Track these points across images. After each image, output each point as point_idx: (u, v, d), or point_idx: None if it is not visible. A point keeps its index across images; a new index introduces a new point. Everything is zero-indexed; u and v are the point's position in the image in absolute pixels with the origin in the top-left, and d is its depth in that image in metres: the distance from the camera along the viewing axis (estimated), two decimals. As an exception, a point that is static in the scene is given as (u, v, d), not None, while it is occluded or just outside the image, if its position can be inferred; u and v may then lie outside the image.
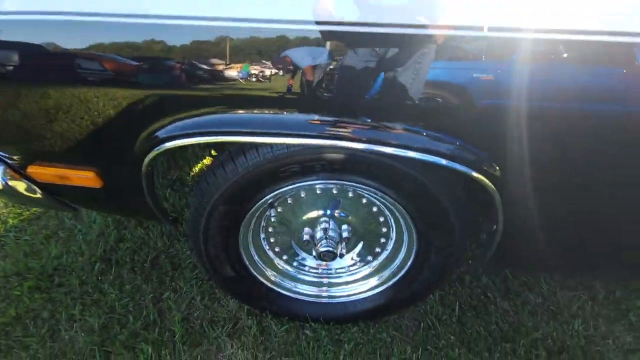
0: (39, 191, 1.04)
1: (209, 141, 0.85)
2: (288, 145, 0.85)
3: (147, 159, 0.90)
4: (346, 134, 0.82)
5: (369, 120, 0.82)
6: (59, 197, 1.08)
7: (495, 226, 0.92)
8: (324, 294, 1.23)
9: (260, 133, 0.83)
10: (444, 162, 0.79)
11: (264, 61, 0.78)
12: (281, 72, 0.78)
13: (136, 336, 1.23)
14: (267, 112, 0.85)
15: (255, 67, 0.78)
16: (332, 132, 0.82)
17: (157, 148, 0.88)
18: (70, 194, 1.06)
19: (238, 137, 0.84)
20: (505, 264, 1.23)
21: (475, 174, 0.79)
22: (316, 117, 0.82)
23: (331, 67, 0.78)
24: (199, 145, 2.08)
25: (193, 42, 0.76)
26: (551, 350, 1.23)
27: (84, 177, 0.96)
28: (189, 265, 1.47)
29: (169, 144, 0.86)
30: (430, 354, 1.21)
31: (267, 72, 0.78)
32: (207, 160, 2.05)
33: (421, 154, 0.80)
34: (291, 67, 0.78)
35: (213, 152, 1.61)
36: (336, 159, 0.86)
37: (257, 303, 1.26)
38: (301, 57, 0.77)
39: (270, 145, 0.87)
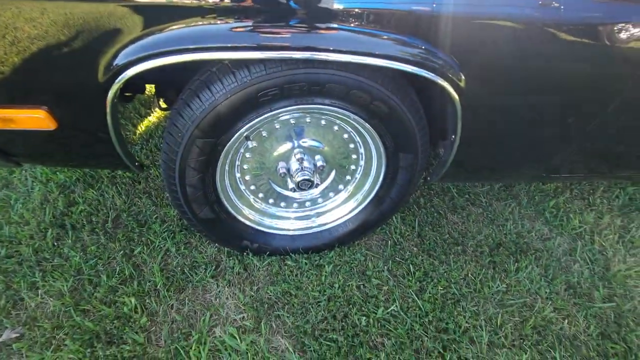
0: (-27, 143, 0.90)
1: (156, 65, 0.78)
2: (266, 67, 0.86)
3: (110, 93, 0.83)
4: (287, 43, 0.79)
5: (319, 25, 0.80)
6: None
7: (453, 136, 1.05)
8: (314, 225, 1.30)
9: (214, 48, 0.78)
10: (409, 68, 0.86)
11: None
12: None
13: (115, 291, 1.19)
14: (209, 23, 0.77)
15: None
16: (282, 43, 0.79)
17: (118, 79, 0.81)
18: (17, 141, 0.93)
19: (190, 54, 0.76)
20: (454, 179, 1.41)
21: (441, 82, 0.89)
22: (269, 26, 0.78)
23: None
24: (143, 97, 1.93)
25: None
26: (491, 247, 1.49)
27: (34, 118, 0.85)
28: (157, 220, 1.42)
29: (130, 72, 0.80)
30: (399, 264, 1.38)
31: None
32: (155, 117, 1.92)
33: (386, 61, 0.84)
34: None
35: (162, 104, 1.51)
36: (315, 79, 0.89)
37: (237, 243, 1.29)
38: None
39: (248, 68, 0.86)
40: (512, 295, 1.33)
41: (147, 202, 1.48)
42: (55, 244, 1.31)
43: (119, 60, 0.78)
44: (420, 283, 1.33)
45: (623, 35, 0.93)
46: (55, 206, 1.42)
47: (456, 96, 0.93)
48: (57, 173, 1.53)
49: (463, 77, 0.92)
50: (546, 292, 1.34)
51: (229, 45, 0.79)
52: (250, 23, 0.79)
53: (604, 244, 1.56)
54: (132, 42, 0.76)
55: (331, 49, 0.82)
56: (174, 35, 0.77)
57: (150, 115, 1.93)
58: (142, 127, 1.87)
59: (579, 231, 1.60)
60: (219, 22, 0.78)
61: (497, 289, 1.33)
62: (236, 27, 0.79)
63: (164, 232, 1.38)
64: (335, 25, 0.81)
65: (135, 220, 1.41)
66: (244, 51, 0.80)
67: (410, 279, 1.33)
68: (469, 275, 1.37)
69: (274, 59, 0.84)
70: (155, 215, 1.44)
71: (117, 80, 0.80)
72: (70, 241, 1.31)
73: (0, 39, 0.75)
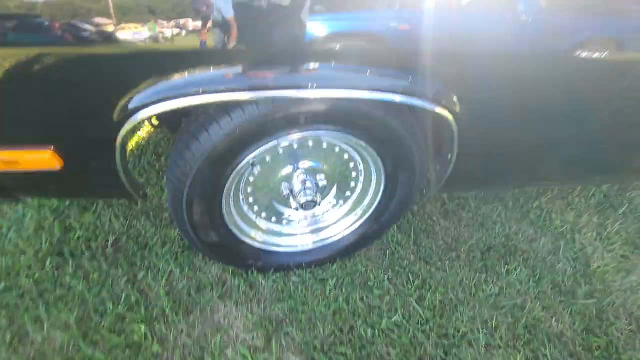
0: (-28, 185, 0.88)
1: (167, 108, 0.81)
2: (274, 100, 0.88)
3: (123, 132, 0.83)
4: (273, 83, 0.82)
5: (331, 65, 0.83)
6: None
7: (450, 155, 1.11)
8: (317, 240, 1.34)
9: (214, 91, 0.80)
10: (416, 102, 0.91)
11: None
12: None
13: (122, 319, 1.19)
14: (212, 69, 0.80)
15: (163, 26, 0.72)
16: (290, 82, 0.82)
17: (132, 119, 0.82)
18: (18, 180, 0.92)
19: (191, 98, 0.80)
20: (448, 191, 1.47)
21: (437, 109, 0.93)
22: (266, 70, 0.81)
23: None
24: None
25: None
26: (483, 251, 1.57)
27: (39, 159, 0.84)
28: (158, 242, 1.42)
29: (143, 114, 0.81)
30: (398, 273, 1.44)
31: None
32: (145, 133, 1.89)
33: (394, 95, 0.88)
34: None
35: (154, 121, 1.50)
36: (319, 110, 0.92)
37: (242, 262, 1.31)
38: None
39: (256, 102, 0.88)
40: (504, 297, 1.41)
41: (146, 223, 1.48)
42: (56, 273, 1.29)
43: (134, 104, 0.79)
44: (420, 291, 1.39)
45: (599, 54, 1.00)
46: (52, 233, 1.39)
47: (453, 120, 0.99)
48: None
49: (457, 102, 0.97)
50: (535, 293, 1.44)
51: (225, 88, 0.81)
52: (241, 68, 0.80)
53: (583, 242, 1.68)
54: (147, 87, 0.78)
55: (315, 85, 0.84)
56: (182, 83, 0.79)
57: (139, 131, 1.90)
58: (132, 144, 1.84)
59: (561, 231, 1.71)
60: (214, 69, 0.80)
61: (490, 292, 1.42)
62: (228, 73, 0.81)
63: (166, 255, 1.38)
64: (317, 65, 0.83)
65: (136, 244, 1.41)
66: (238, 92, 0.82)
67: (410, 287, 1.39)
68: (464, 280, 1.45)
69: (268, 97, 0.86)
70: (156, 237, 1.43)
71: (130, 120, 0.81)
72: (71, 270, 1.30)
73: (11, 81, 0.73)
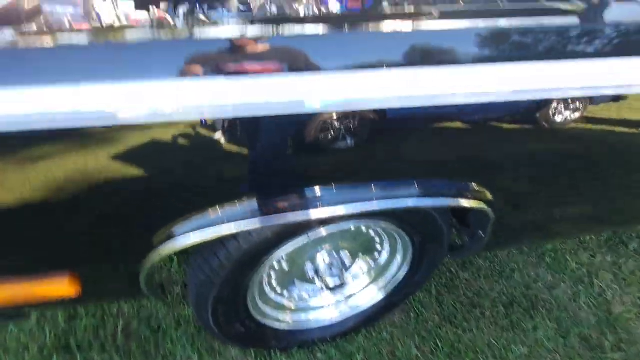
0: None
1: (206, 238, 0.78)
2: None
3: (154, 256, 0.77)
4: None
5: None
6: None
7: (482, 234, 1.08)
8: (342, 311, 1.28)
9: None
10: (463, 203, 0.88)
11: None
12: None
13: None
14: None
15: None
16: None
17: (169, 244, 0.77)
18: (28, 308, 0.84)
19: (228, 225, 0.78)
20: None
21: (464, 202, 0.91)
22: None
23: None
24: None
25: None
26: (505, 304, 1.54)
27: (54, 288, 0.76)
28: (171, 323, 1.33)
29: (180, 243, 0.77)
30: (425, 339, 1.40)
31: None
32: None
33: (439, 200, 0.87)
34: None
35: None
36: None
37: (265, 345, 1.24)
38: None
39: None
40: (534, 358, 1.38)
41: (157, 301, 1.39)
42: (64, 372, 1.19)
43: (176, 232, 0.75)
44: (449, 358, 1.34)
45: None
46: (55, 323, 1.29)
47: (488, 208, 0.96)
48: (51, 280, 1.40)
49: (485, 190, 0.94)
50: (564, 350, 1.41)
51: (244, 217, 0.79)
52: (255, 200, 0.80)
53: (601, 285, 1.67)
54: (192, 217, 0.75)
55: (325, 204, 0.83)
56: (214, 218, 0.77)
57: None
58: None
59: (578, 274, 1.69)
60: (237, 203, 0.79)
61: (520, 353, 1.38)
62: (245, 206, 0.79)
63: (182, 338, 1.30)
64: (317, 191, 0.83)
65: (148, 327, 1.32)
66: (254, 219, 0.79)
67: (439, 354, 1.35)
68: (492, 341, 1.41)
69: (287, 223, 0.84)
70: (169, 317, 1.35)
71: (168, 245, 0.76)
72: (80, 367, 1.20)
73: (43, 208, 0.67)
